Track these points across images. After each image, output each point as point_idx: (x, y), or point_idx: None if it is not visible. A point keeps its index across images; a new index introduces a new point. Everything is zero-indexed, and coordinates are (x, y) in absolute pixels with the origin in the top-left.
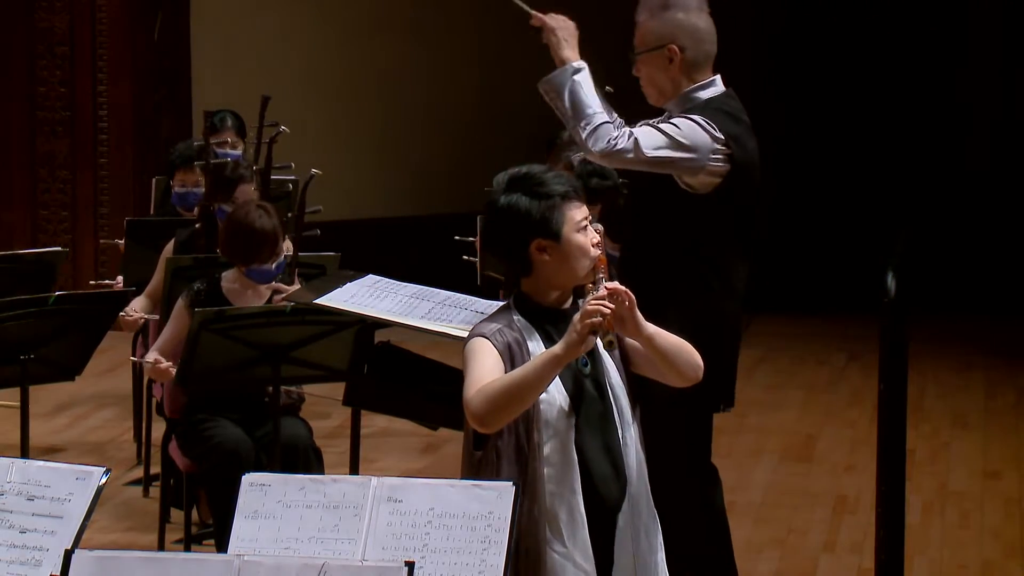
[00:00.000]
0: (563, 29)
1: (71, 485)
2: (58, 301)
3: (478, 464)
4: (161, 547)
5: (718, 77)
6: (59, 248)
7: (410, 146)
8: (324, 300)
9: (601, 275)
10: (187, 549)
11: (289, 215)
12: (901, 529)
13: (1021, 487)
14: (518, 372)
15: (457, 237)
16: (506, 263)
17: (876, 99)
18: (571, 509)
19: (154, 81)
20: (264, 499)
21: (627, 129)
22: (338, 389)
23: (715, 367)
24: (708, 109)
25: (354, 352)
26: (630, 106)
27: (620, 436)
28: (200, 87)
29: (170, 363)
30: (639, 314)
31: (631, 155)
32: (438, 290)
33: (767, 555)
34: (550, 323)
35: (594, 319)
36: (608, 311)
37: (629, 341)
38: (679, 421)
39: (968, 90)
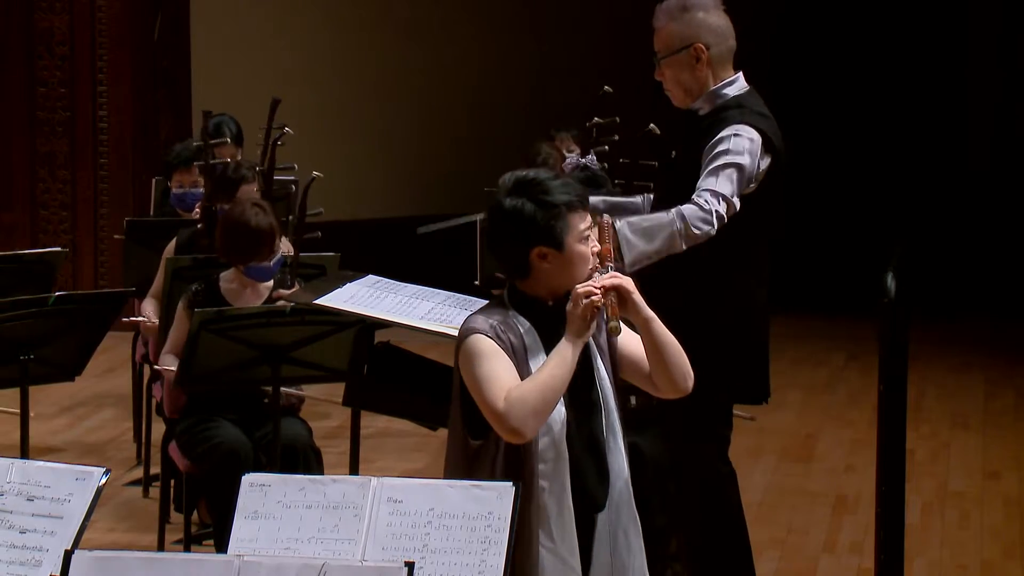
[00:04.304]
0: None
1: (71, 485)
2: (58, 301)
3: (474, 454)
4: (161, 547)
5: (740, 74)
6: (59, 248)
7: (409, 146)
8: (324, 300)
9: (598, 269)
10: (187, 549)
11: (289, 217)
12: (901, 529)
13: (1021, 487)
14: (549, 372)
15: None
16: (504, 264)
17: (876, 99)
18: (561, 505)
19: (154, 81)
20: (264, 499)
21: (705, 194)
22: (338, 389)
23: (751, 359)
24: (744, 110)
25: (354, 352)
26: (628, 106)
27: (605, 436)
28: (200, 87)
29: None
30: (639, 297)
31: (729, 210)
32: (438, 290)
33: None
34: (545, 319)
35: (592, 298)
36: (598, 291)
37: (620, 347)
38: (714, 415)
39: (968, 91)
